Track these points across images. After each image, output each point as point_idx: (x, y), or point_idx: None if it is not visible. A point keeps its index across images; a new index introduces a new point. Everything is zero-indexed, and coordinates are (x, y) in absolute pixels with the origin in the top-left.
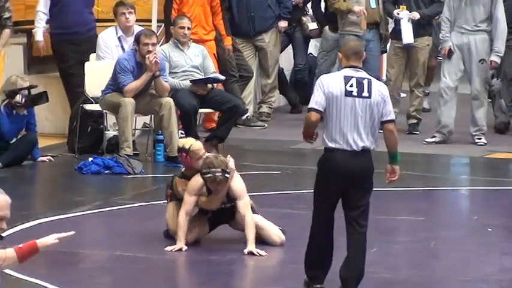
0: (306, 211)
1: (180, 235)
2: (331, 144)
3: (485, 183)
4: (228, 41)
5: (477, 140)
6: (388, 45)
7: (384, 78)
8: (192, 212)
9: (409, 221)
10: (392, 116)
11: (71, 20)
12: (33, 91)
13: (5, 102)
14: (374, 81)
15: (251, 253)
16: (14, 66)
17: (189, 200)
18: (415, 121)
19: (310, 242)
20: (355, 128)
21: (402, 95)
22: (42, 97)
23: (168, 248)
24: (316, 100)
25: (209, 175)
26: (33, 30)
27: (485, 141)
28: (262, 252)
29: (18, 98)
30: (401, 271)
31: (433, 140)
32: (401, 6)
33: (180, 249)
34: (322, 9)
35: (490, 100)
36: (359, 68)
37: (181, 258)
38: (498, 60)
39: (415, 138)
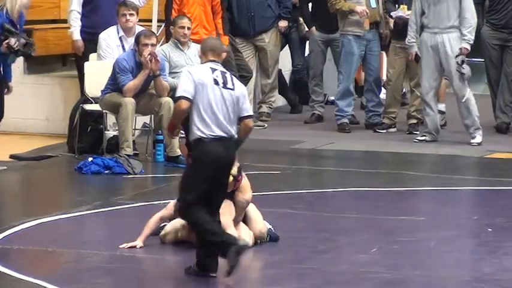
0: (305, 211)
1: (144, 232)
2: (209, 132)
3: (485, 183)
4: (224, 41)
5: (472, 140)
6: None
7: (384, 78)
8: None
9: (409, 221)
10: (251, 112)
11: (99, 21)
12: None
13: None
14: (234, 77)
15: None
16: (14, 66)
17: (170, 207)
18: (415, 121)
19: (210, 236)
20: (225, 116)
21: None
22: (30, 51)
23: (122, 246)
24: (185, 89)
25: None
26: (69, 30)
27: (480, 140)
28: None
29: (12, 42)
30: (401, 271)
31: (423, 138)
32: (401, 6)
33: (134, 247)
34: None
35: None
36: (218, 63)
37: (181, 258)
38: (468, 47)
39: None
